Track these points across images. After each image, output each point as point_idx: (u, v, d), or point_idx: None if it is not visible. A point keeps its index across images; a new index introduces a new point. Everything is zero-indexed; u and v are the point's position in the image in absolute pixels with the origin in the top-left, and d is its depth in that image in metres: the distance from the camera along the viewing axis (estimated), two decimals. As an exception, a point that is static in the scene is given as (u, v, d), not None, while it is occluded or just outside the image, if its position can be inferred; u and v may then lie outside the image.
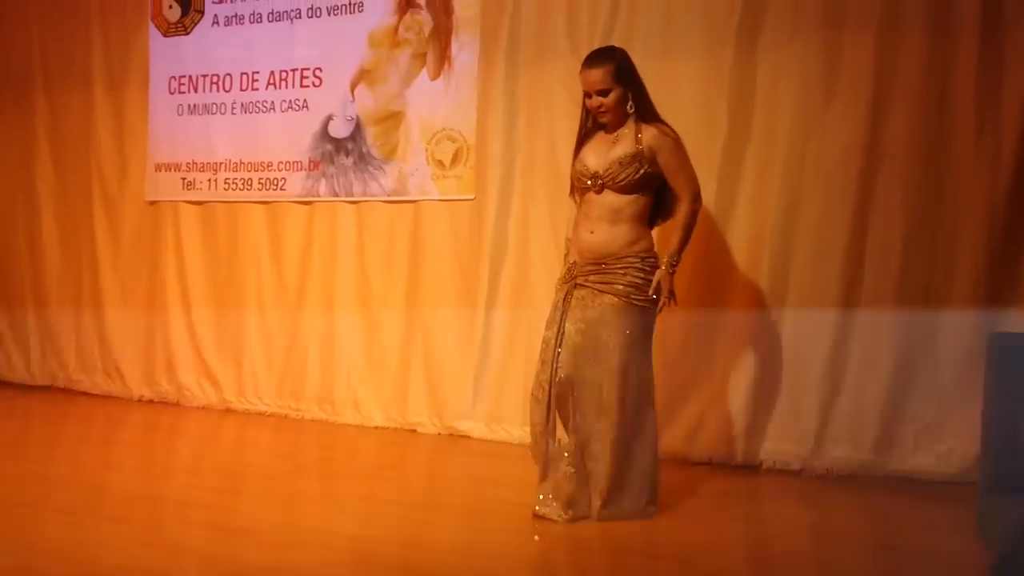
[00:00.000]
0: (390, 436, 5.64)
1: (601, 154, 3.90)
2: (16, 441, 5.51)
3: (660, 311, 3.88)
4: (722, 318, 4.91)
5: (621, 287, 3.80)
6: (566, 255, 4.08)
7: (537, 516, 3.84)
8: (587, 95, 3.92)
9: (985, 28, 4.44)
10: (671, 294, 3.84)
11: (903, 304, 4.59)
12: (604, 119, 3.92)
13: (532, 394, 3.96)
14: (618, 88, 3.86)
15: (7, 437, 5.59)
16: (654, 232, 4.01)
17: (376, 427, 5.79)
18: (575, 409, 3.84)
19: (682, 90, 4.91)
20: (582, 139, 4.03)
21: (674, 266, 3.84)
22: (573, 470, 3.84)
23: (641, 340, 3.87)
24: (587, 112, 4.00)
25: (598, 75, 3.86)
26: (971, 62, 4.46)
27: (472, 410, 5.53)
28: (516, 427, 5.31)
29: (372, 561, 3.43)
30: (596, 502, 3.84)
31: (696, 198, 3.88)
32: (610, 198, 3.85)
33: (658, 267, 3.86)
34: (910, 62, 4.56)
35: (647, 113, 3.90)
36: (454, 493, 4.46)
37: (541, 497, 3.88)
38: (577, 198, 4.05)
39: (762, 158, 4.84)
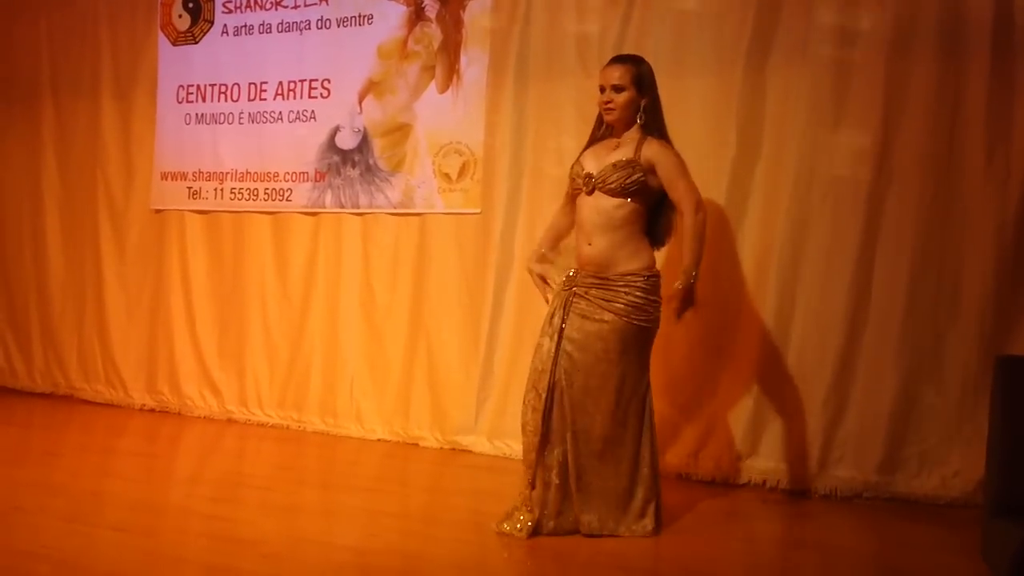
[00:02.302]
0: (392, 449, 5.62)
1: (600, 158, 3.91)
2: (17, 448, 5.50)
3: (680, 318, 3.81)
4: (727, 337, 4.90)
5: (622, 306, 3.79)
6: (538, 262, 4.15)
7: (501, 534, 3.82)
8: (601, 90, 3.93)
9: (996, 52, 4.44)
10: (692, 300, 3.77)
11: (909, 326, 4.58)
12: (610, 117, 3.93)
13: (526, 402, 3.91)
14: (632, 90, 3.87)
15: (8, 443, 5.59)
16: (659, 254, 4.02)
17: (378, 440, 5.77)
18: (567, 422, 3.81)
19: (692, 108, 4.91)
20: (588, 145, 4.04)
21: (692, 281, 3.75)
22: (559, 481, 3.82)
23: (638, 358, 3.86)
24: (598, 122, 4.02)
25: (618, 71, 3.90)
26: (981, 85, 4.46)
27: (475, 424, 5.51)
28: (519, 442, 5.17)
29: (372, 574, 3.42)
30: (590, 518, 3.81)
31: (699, 208, 3.80)
32: (601, 201, 3.84)
33: (659, 286, 3.86)
34: (920, 85, 4.56)
35: (656, 128, 3.90)
36: (455, 507, 4.45)
37: (516, 514, 3.85)
38: (570, 202, 4.05)
39: (771, 178, 4.83)
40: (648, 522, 3.85)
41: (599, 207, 3.84)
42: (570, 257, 4.07)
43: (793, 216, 4.77)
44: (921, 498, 4.52)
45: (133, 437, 5.93)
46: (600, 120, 4.02)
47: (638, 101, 3.89)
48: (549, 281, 4.10)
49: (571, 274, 3.94)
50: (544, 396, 3.83)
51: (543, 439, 3.83)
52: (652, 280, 3.84)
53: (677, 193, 3.82)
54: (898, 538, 4.10)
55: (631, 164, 3.80)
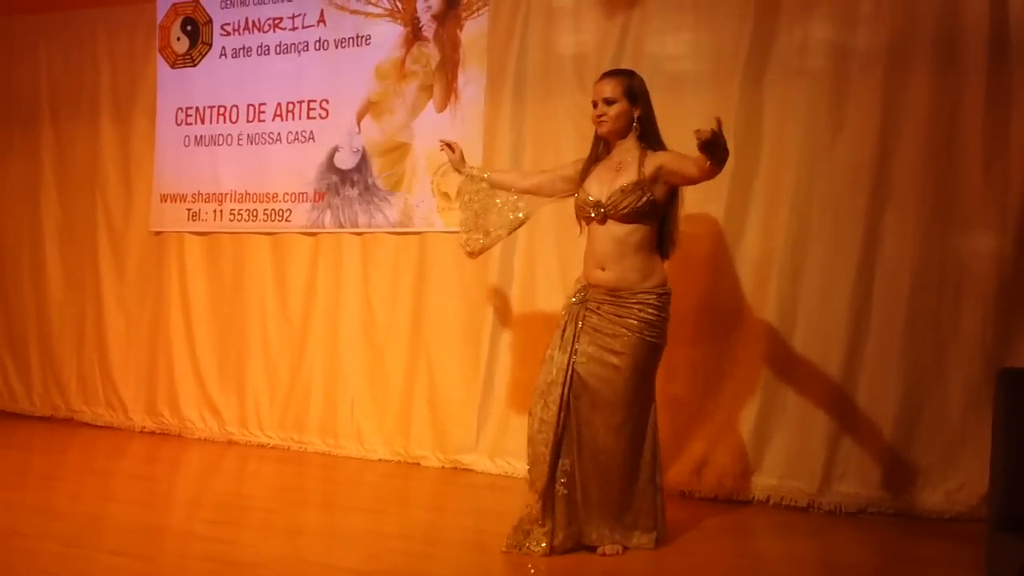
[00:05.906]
0: (393, 469, 5.60)
1: (605, 183, 3.89)
2: (16, 471, 5.48)
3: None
4: (729, 352, 4.89)
5: (635, 322, 3.78)
6: None
7: (516, 551, 3.81)
8: (594, 104, 3.95)
9: (992, 65, 4.46)
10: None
11: (911, 339, 4.57)
12: (602, 128, 3.94)
13: (533, 414, 3.90)
14: (624, 102, 3.89)
15: (8, 467, 5.56)
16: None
17: (379, 460, 5.75)
18: (574, 435, 3.81)
19: (689, 124, 4.82)
20: (588, 167, 4.03)
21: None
22: (567, 492, 3.81)
23: (647, 374, 3.86)
24: (596, 141, 4.02)
25: (609, 85, 3.92)
26: (979, 99, 4.47)
27: (476, 443, 5.49)
28: (520, 461, 5.25)
29: (374, 595, 3.41)
30: (595, 533, 3.81)
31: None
32: (613, 228, 3.84)
33: (670, 303, 3.86)
34: (917, 98, 4.57)
35: (652, 140, 3.91)
36: (457, 527, 4.42)
37: (527, 528, 3.84)
38: (583, 226, 4.03)
39: (769, 193, 4.83)
40: (651, 537, 3.85)
41: (613, 235, 3.84)
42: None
43: (792, 231, 4.77)
44: (925, 513, 4.50)
45: (133, 460, 5.91)
46: (597, 139, 4.03)
47: (631, 113, 3.90)
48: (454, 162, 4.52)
49: (583, 288, 3.93)
50: (556, 409, 3.82)
51: (554, 451, 3.82)
52: (664, 297, 3.85)
53: (687, 166, 3.70)
54: (903, 553, 4.09)
55: (639, 186, 3.79)
